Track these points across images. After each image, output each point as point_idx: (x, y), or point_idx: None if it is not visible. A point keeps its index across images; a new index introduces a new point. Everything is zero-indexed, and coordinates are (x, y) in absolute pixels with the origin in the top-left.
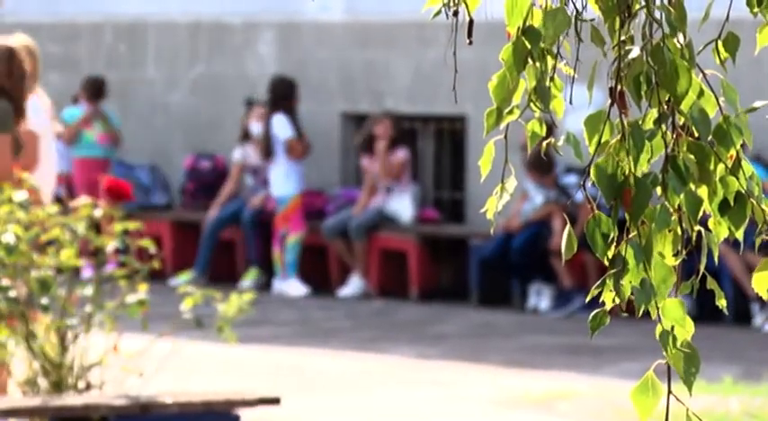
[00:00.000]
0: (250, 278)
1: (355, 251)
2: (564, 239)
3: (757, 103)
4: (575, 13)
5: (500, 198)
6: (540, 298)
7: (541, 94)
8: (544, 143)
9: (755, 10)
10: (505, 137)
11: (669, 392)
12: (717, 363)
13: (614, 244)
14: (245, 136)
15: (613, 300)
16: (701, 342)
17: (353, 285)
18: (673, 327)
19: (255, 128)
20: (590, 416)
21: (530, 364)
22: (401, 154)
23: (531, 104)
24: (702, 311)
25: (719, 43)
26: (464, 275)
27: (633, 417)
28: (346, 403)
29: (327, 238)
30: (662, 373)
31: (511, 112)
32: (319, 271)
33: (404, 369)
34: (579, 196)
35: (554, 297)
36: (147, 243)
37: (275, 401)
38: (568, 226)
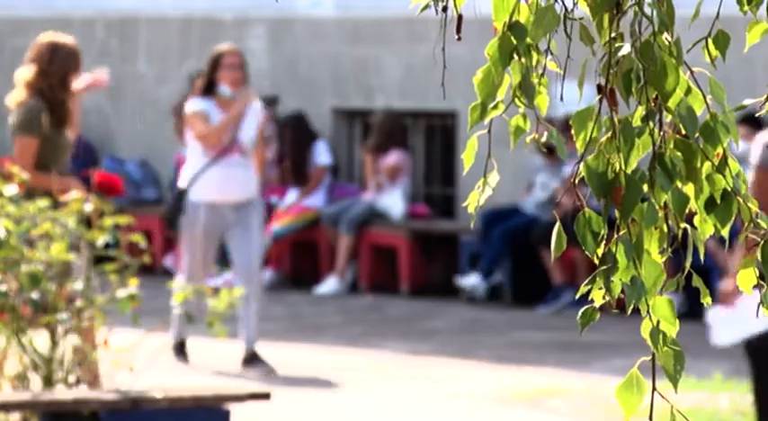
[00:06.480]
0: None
1: (344, 245)
2: (553, 237)
3: (746, 101)
4: (563, 12)
5: (482, 192)
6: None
7: (526, 89)
8: (527, 138)
9: (745, 8)
10: (489, 131)
11: (654, 389)
12: (706, 360)
13: (604, 241)
14: None
15: (603, 297)
16: (691, 338)
17: (336, 281)
18: (662, 325)
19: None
20: (579, 412)
21: (520, 360)
22: (392, 158)
23: (516, 100)
24: (692, 308)
25: (710, 41)
26: (455, 271)
27: (622, 414)
28: (336, 398)
29: (325, 224)
30: (646, 370)
31: (495, 107)
32: (309, 266)
33: (394, 364)
34: None
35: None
36: (138, 238)
37: (265, 396)
38: (558, 224)
